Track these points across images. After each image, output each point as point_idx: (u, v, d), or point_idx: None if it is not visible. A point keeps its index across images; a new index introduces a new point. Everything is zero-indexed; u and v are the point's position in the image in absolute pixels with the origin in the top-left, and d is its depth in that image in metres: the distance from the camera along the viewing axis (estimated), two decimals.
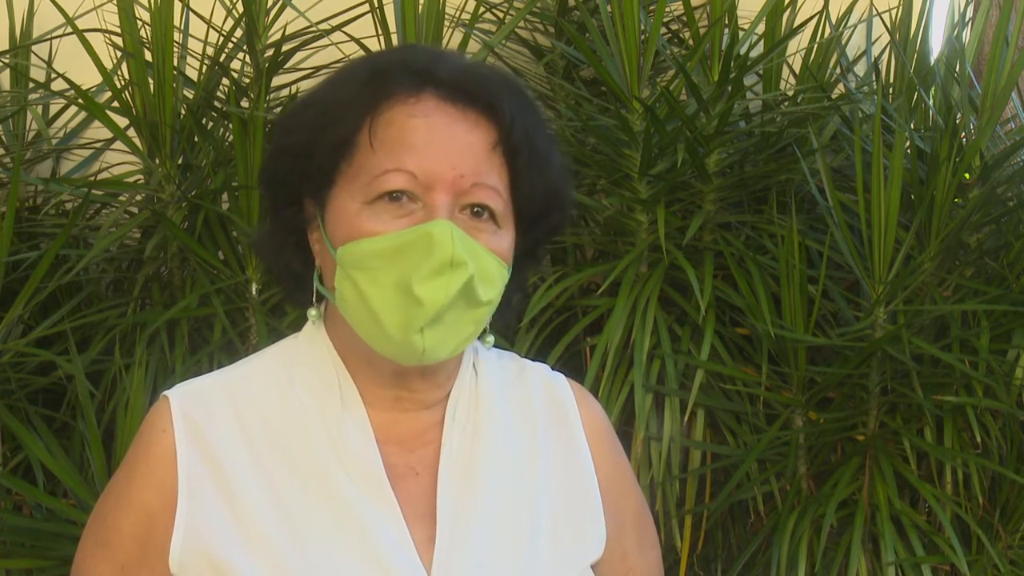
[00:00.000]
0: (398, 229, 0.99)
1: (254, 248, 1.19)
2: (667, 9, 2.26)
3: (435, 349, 1.01)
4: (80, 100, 1.87)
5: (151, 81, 1.88)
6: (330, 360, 1.08)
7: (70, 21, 1.88)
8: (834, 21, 2.26)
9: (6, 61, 2.09)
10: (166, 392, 1.08)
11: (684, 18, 2.21)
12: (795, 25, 2.18)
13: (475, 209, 1.02)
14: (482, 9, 2.12)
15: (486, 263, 1.01)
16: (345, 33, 2.00)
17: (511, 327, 1.96)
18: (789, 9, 2.18)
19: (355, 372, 1.08)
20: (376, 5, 1.95)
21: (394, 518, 1.03)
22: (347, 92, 1.04)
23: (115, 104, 1.92)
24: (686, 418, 1.93)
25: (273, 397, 1.08)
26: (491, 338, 1.11)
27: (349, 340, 1.06)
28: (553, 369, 1.22)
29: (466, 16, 2.15)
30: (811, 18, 2.19)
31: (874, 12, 2.30)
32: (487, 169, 1.02)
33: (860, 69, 2.32)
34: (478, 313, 1.04)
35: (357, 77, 1.05)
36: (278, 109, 2.00)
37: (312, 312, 1.09)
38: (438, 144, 1.00)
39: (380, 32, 1.95)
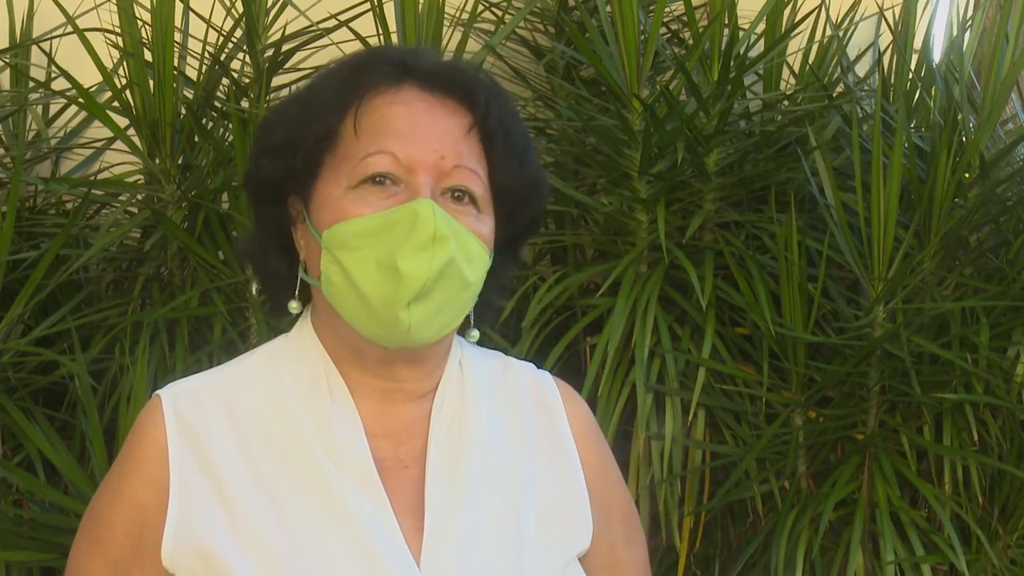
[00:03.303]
0: (382, 210, 1.02)
1: (239, 253, 1.21)
2: (667, 9, 2.27)
3: (420, 328, 1.02)
4: (80, 100, 1.87)
5: (151, 81, 1.88)
6: (318, 354, 1.10)
7: (71, 20, 1.88)
8: (834, 21, 2.26)
9: (6, 60, 2.09)
10: (158, 391, 1.10)
11: (684, 18, 2.21)
12: (796, 19, 2.18)
13: (456, 193, 1.05)
14: (481, 8, 2.13)
15: (468, 243, 1.04)
16: (350, 30, 1.99)
17: (510, 327, 1.97)
18: (789, 8, 2.18)
19: (343, 364, 1.09)
20: (376, 4, 1.95)
21: (383, 510, 1.04)
22: (328, 88, 1.07)
23: (115, 104, 1.92)
24: (689, 418, 1.93)
25: (262, 394, 1.09)
26: (475, 332, 1.13)
27: (336, 329, 1.08)
28: (553, 369, 1.25)
29: (466, 15, 2.15)
30: (810, 14, 2.19)
31: (877, 11, 2.30)
32: (467, 152, 1.05)
33: (860, 68, 2.32)
34: (463, 296, 1.06)
35: (336, 74, 1.09)
36: None
37: (293, 304, 1.10)
38: (419, 129, 1.04)
39: (380, 32, 1.95)
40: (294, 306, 1.10)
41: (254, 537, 1.02)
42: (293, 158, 1.06)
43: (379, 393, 1.09)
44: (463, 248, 1.03)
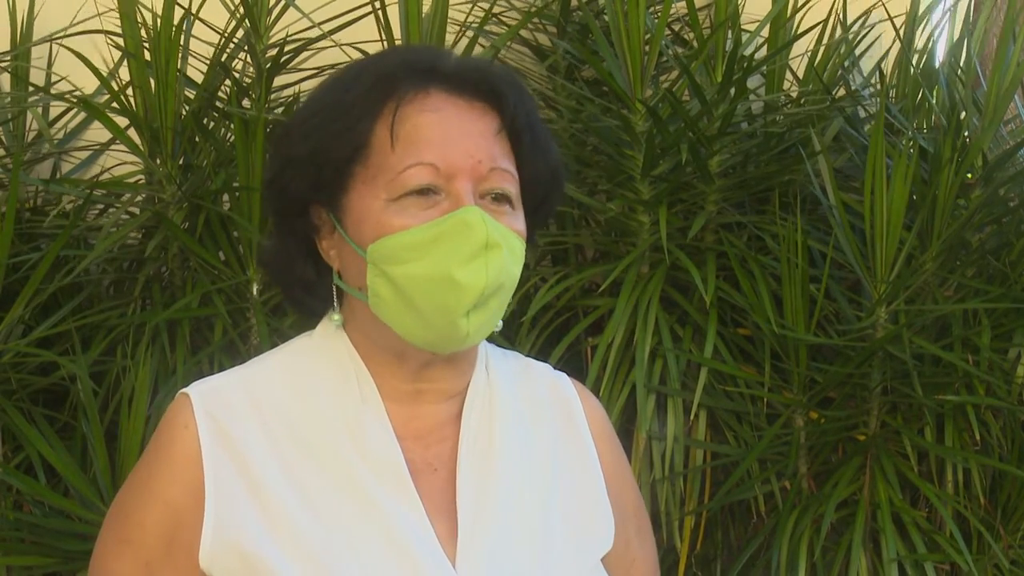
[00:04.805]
0: (427, 220, 1.02)
1: (263, 266, 1.21)
2: (670, 10, 2.26)
3: (477, 333, 1.04)
4: (81, 103, 1.87)
5: (152, 82, 1.88)
6: (348, 356, 1.09)
7: (66, 33, 1.87)
8: (838, 22, 2.25)
9: (6, 63, 2.09)
10: (184, 390, 1.09)
11: (686, 18, 2.20)
12: (798, 27, 2.18)
13: (494, 195, 1.05)
14: (485, 14, 2.12)
15: (512, 242, 1.05)
16: (352, 45, 1.99)
17: (512, 328, 1.97)
18: (792, 10, 2.18)
19: (375, 367, 1.09)
20: (377, 8, 1.94)
21: (417, 513, 1.04)
22: (353, 96, 1.06)
23: (114, 105, 1.92)
24: (690, 418, 1.93)
25: (292, 393, 1.09)
26: (500, 322, 1.12)
27: (376, 336, 1.08)
28: (554, 369, 1.24)
29: (469, 19, 2.15)
30: (815, 26, 2.18)
31: (885, 15, 2.29)
32: (500, 153, 1.06)
33: (863, 68, 2.31)
34: (509, 295, 1.07)
35: (361, 81, 1.07)
36: (279, 110, 2.00)
37: (335, 317, 1.10)
38: (453, 135, 1.04)
39: (383, 37, 1.95)
40: (336, 319, 1.10)
41: (293, 536, 1.02)
42: (321, 170, 1.06)
43: (410, 395, 1.09)
44: (511, 250, 1.04)
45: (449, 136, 1.04)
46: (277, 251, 1.13)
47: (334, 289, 1.10)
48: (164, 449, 1.07)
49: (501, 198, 1.05)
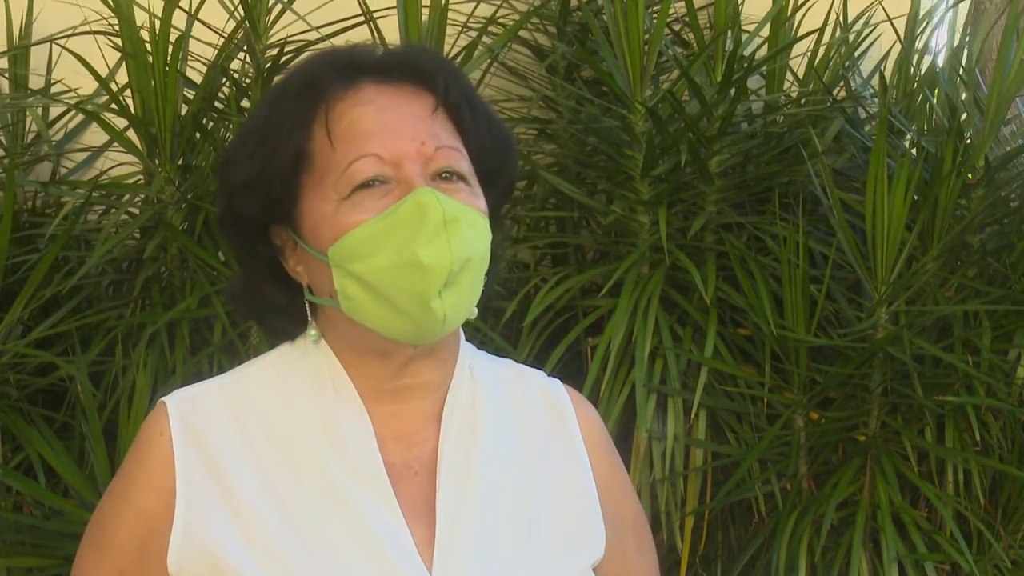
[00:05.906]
0: (381, 211, 1.01)
1: (233, 300, 1.18)
2: (669, 10, 2.26)
3: (453, 315, 1.02)
4: (79, 105, 1.86)
5: (151, 83, 1.88)
6: (327, 363, 1.08)
7: (62, 39, 1.86)
8: (838, 23, 2.25)
9: (4, 65, 2.09)
10: (163, 398, 1.09)
11: (686, 18, 2.20)
12: (798, 27, 2.17)
13: (444, 174, 1.04)
14: (482, 13, 2.12)
15: (472, 216, 1.03)
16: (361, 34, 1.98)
17: (512, 329, 1.97)
18: (792, 9, 2.18)
19: (356, 371, 1.08)
20: (368, 8, 1.94)
21: (394, 517, 1.03)
22: (284, 108, 1.05)
23: (114, 106, 1.91)
24: (691, 418, 1.93)
25: (271, 399, 1.08)
26: (475, 310, 1.10)
27: (357, 340, 1.06)
28: (554, 370, 1.23)
29: (466, 20, 2.15)
30: (816, 31, 2.18)
31: (885, 17, 2.29)
32: (441, 132, 1.05)
33: (864, 69, 2.31)
34: (481, 272, 1.05)
35: (289, 92, 1.06)
36: None
37: (312, 332, 1.09)
38: (391, 123, 1.03)
39: (376, 39, 1.94)
40: (313, 334, 1.09)
41: (264, 543, 1.01)
42: (270, 188, 1.05)
43: (392, 393, 1.08)
44: (472, 224, 1.03)
45: (387, 124, 1.03)
46: (245, 281, 1.12)
47: (307, 305, 1.08)
48: (139, 457, 1.06)
49: (452, 176, 1.04)
